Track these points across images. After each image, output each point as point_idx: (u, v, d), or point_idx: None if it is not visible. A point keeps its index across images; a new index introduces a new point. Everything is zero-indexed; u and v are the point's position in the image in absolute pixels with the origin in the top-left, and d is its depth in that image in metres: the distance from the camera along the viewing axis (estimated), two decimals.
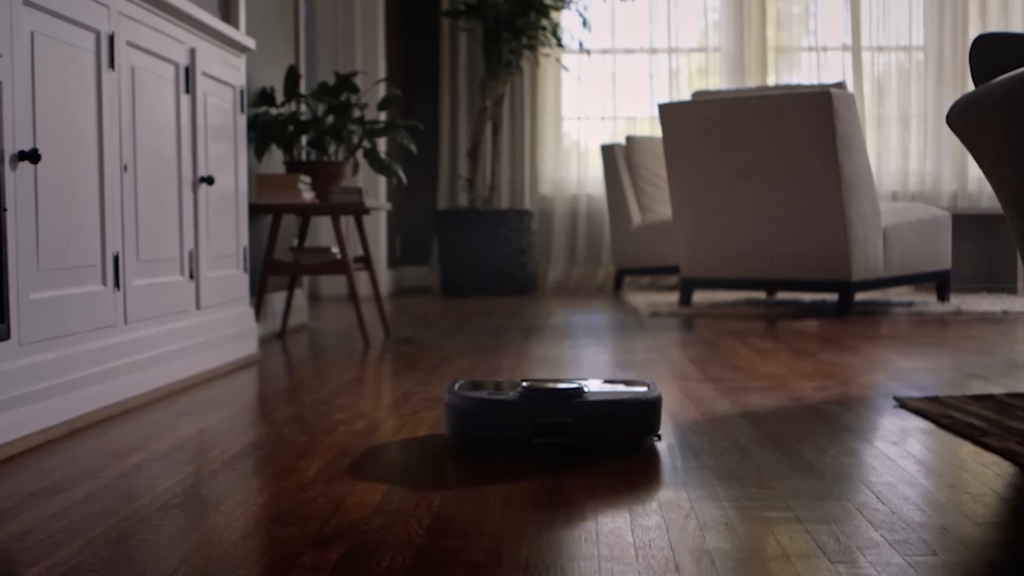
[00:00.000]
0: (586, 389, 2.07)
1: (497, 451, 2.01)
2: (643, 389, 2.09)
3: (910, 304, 5.47)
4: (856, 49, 7.22)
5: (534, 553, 1.38)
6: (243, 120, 3.46)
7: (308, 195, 4.05)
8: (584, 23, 6.92)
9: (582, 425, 1.97)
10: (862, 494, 1.67)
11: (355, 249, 6.56)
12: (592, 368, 3.18)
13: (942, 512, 1.56)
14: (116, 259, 2.51)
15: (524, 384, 2.05)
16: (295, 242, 4.71)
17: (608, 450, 2.01)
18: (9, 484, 1.79)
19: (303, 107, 4.87)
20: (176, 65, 2.92)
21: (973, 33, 7.19)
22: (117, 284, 2.52)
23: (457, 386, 2.11)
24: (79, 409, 2.30)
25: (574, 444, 1.98)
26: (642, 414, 2.00)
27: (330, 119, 5.07)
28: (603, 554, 1.38)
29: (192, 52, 3.01)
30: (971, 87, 7.09)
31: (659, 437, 2.09)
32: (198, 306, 3.05)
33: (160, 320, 2.79)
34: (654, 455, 1.98)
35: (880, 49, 7.27)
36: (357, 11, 6.54)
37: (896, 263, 5.10)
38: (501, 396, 2.02)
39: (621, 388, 2.11)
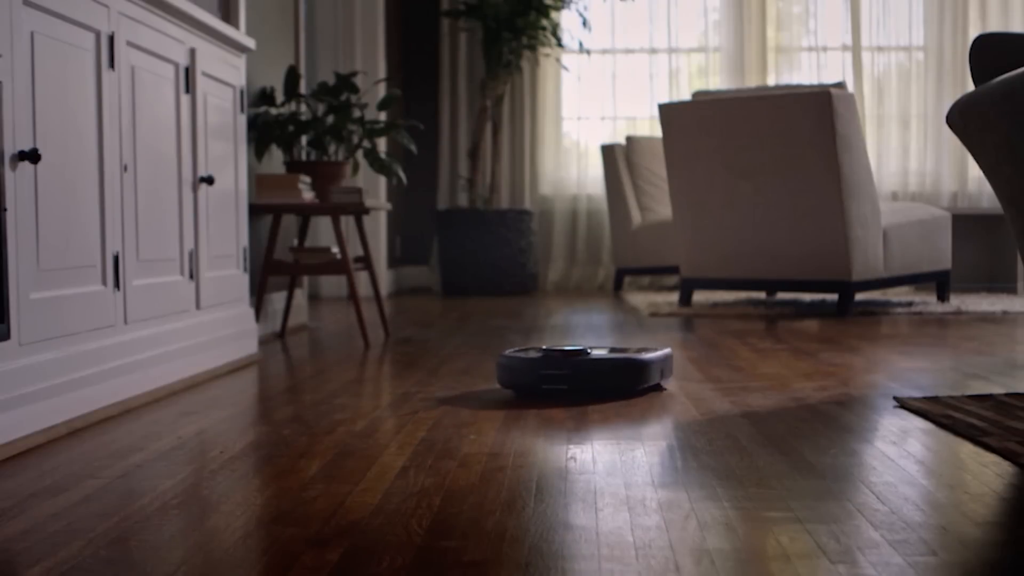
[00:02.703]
0: (590, 352, 2.70)
1: (522, 393, 2.68)
2: (645, 354, 2.69)
3: (910, 304, 5.47)
4: (856, 49, 7.22)
5: (534, 553, 1.38)
6: (243, 120, 3.46)
7: (308, 195, 4.05)
8: (584, 23, 6.91)
9: (577, 377, 2.62)
10: (862, 494, 1.67)
11: (355, 249, 6.56)
12: None
13: (942, 512, 1.56)
14: (116, 259, 2.51)
15: (543, 348, 2.76)
16: (295, 242, 4.71)
17: (600, 395, 2.65)
18: (9, 484, 1.79)
19: (303, 107, 4.87)
20: (176, 65, 2.92)
21: (973, 33, 7.19)
22: (117, 284, 2.52)
23: (510, 351, 2.75)
24: (79, 409, 2.30)
25: (569, 390, 2.63)
26: (627, 370, 2.64)
27: (330, 119, 5.08)
28: (603, 554, 1.38)
29: (192, 52, 3.01)
30: (971, 87, 7.09)
31: (663, 388, 2.76)
32: (198, 306, 3.05)
33: (160, 320, 2.79)
34: (653, 454, 1.98)
35: (880, 49, 7.27)
36: (357, 11, 6.54)
37: (896, 263, 5.10)
38: (524, 355, 2.67)
39: (627, 353, 2.70)
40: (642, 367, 2.66)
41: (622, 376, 2.64)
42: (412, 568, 1.33)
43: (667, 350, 2.82)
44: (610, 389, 2.65)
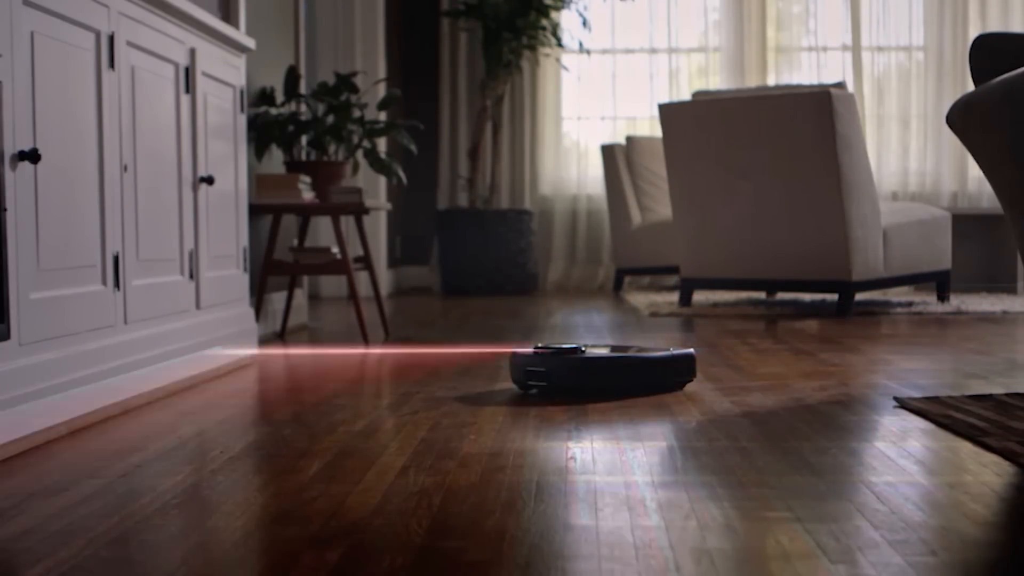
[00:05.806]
0: (583, 350, 2.68)
1: (522, 389, 2.72)
2: (645, 354, 2.68)
3: (910, 304, 5.47)
4: (856, 49, 7.22)
5: (534, 553, 1.38)
6: (243, 120, 3.46)
7: (308, 195, 4.05)
8: (584, 23, 6.91)
9: (555, 375, 2.63)
10: (862, 494, 1.67)
11: (355, 249, 6.56)
12: None
13: (942, 512, 1.56)
14: (116, 259, 2.51)
15: (538, 345, 2.73)
16: (295, 242, 4.71)
17: (580, 394, 2.63)
18: (9, 484, 1.79)
19: (303, 107, 4.87)
20: (176, 65, 2.92)
21: (973, 33, 7.19)
22: (117, 284, 2.52)
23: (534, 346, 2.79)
24: (79, 409, 2.30)
25: (548, 387, 2.63)
26: (608, 370, 2.64)
27: (330, 119, 5.08)
28: (603, 554, 1.38)
29: (192, 52, 3.01)
30: (971, 87, 7.09)
31: (681, 386, 2.73)
32: (198, 306, 3.05)
33: (160, 320, 2.79)
34: (653, 454, 1.98)
35: (880, 49, 7.27)
36: (357, 11, 6.54)
37: (896, 263, 5.10)
38: (519, 351, 2.71)
39: (631, 354, 2.70)
40: (631, 366, 2.67)
41: (606, 375, 2.66)
42: (412, 568, 1.33)
43: (670, 351, 2.75)
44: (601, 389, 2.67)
